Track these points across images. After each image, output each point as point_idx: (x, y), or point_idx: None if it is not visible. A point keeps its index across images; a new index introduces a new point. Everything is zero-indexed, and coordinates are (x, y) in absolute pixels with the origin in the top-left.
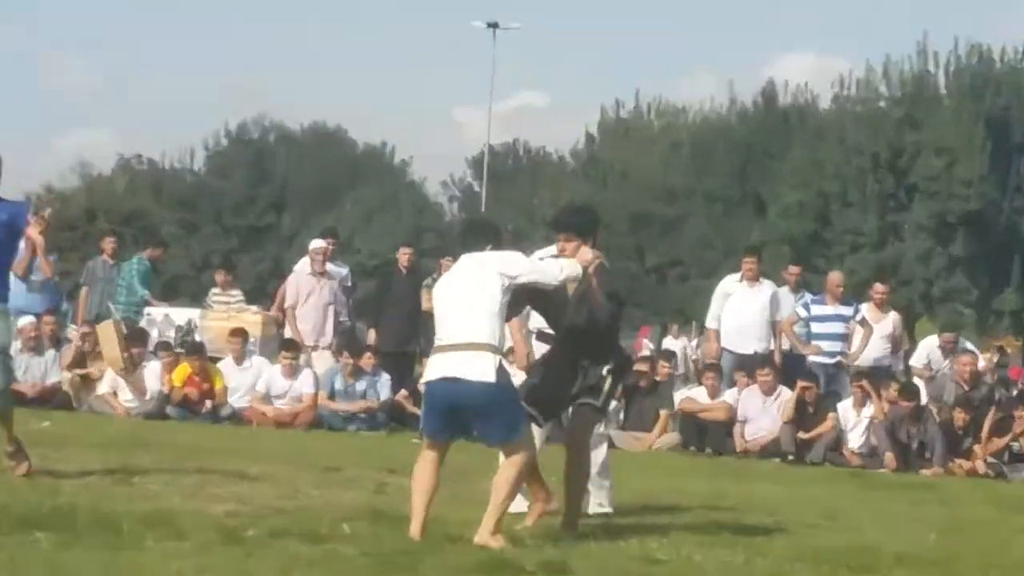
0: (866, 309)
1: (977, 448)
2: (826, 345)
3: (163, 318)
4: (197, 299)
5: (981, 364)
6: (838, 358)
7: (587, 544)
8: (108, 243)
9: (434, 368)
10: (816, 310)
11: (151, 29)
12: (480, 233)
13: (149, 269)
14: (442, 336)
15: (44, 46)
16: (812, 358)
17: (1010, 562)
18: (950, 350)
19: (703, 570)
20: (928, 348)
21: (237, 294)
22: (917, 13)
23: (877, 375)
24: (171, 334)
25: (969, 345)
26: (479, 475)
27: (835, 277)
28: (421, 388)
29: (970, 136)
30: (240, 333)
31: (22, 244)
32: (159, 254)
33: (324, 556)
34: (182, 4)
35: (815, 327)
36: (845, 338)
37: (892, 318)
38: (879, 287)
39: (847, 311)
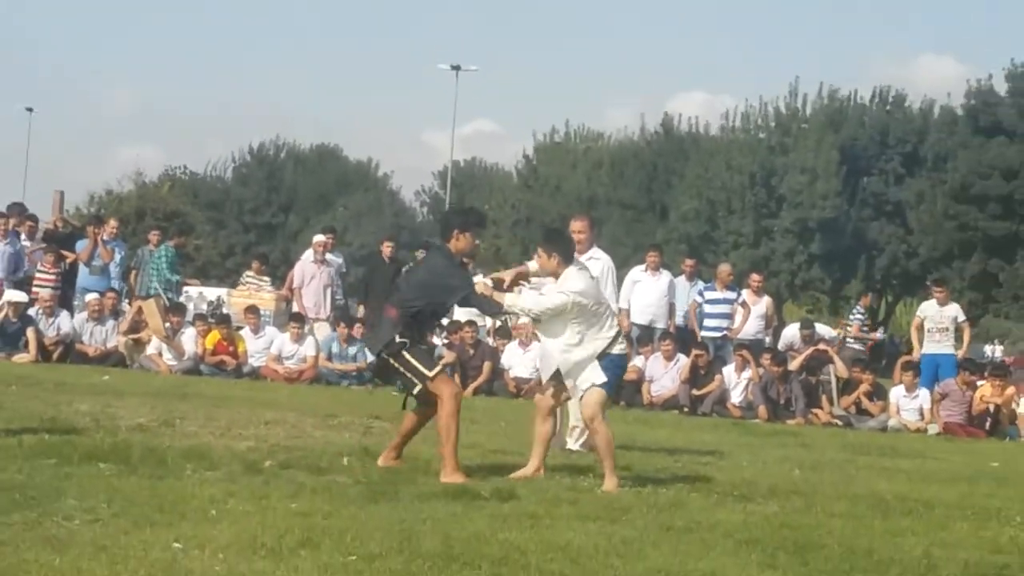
0: (746, 294)
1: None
2: (715, 322)
3: (198, 295)
4: (224, 281)
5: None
6: (724, 332)
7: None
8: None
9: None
10: (708, 295)
11: (186, 65)
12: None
13: (174, 255)
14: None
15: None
16: (704, 332)
17: (856, 492)
18: (807, 339)
19: (619, 498)
20: (791, 335)
21: (267, 280)
22: (787, 62)
23: (754, 346)
24: (204, 308)
25: (822, 329)
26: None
27: (724, 268)
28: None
29: (827, 160)
30: (254, 310)
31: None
32: (182, 242)
33: (325, 485)
34: (210, 48)
35: (707, 308)
36: (730, 317)
37: (765, 301)
38: (755, 276)
39: (732, 295)
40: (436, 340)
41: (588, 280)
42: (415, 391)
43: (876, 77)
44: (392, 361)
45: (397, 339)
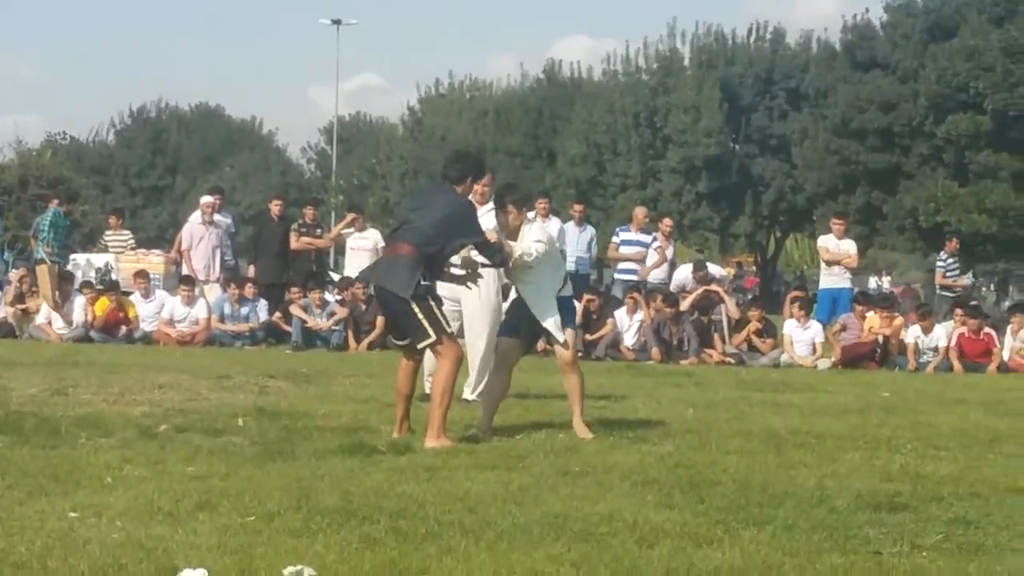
0: (659, 239)
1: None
2: (630, 265)
3: (85, 262)
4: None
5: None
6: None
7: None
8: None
9: None
10: (623, 236)
11: (71, 32)
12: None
13: (54, 216)
14: None
15: None
16: (617, 275)
17: (749, 429)
18: (700, 280)
19: (517, 445)
20: (683, 276)
21: (127, 234)
22: (666, 3)
23: (658, 289)
24: (92, 275)
25: (714, 269)
26: (340, 376)
27: (640, 211)
28: (294, 311)
29: (709, 97)
30: (143, 274)
31: None
32: (69, 208)
33: (221, 446)
34: (85, 10)
35: (622, 250)
36: (643, 259)
37: (673, 246)
38: (667, 221)
39: (647, 238)
40: (328, 296)
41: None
42: (423, 344)
43: (754, 14)
44: (414, 306)
45: (421, 282)
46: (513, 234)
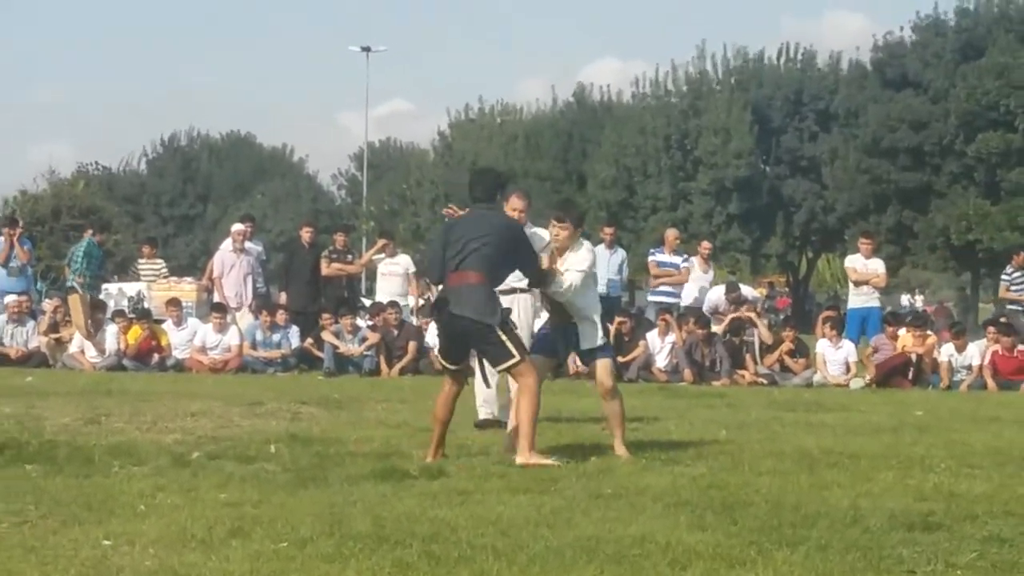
0: (696, 261)
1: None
2: (665, 286)
3: (118, 291)
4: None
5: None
6: (675, 298)
7: (464, 455)
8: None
9: None
10: (658, 257)
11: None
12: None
13: (87, 247)
14: None
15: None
16: (651, 297)
17: (782, 449)
18: (733, 302)
19: (549, 468)
20: (715, 298)
21: (160, 262)
22: (696, 25)
23: (690, 311)
24: (124, 303)
25: (747, 290)
26: (372, 401)
27: (671, 233)
28: (326, 337)
29: (739, 119)
30: (175, 302)
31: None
32: (103, 239)
33: (253, 473)
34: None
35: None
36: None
37: (713, 269)
38: (706, 244)
39: (678, 260)
40: (360, 322)
41: None
42: (506, 366)
43: (784, 35)
44: (499, 331)
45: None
46: (560, 251)
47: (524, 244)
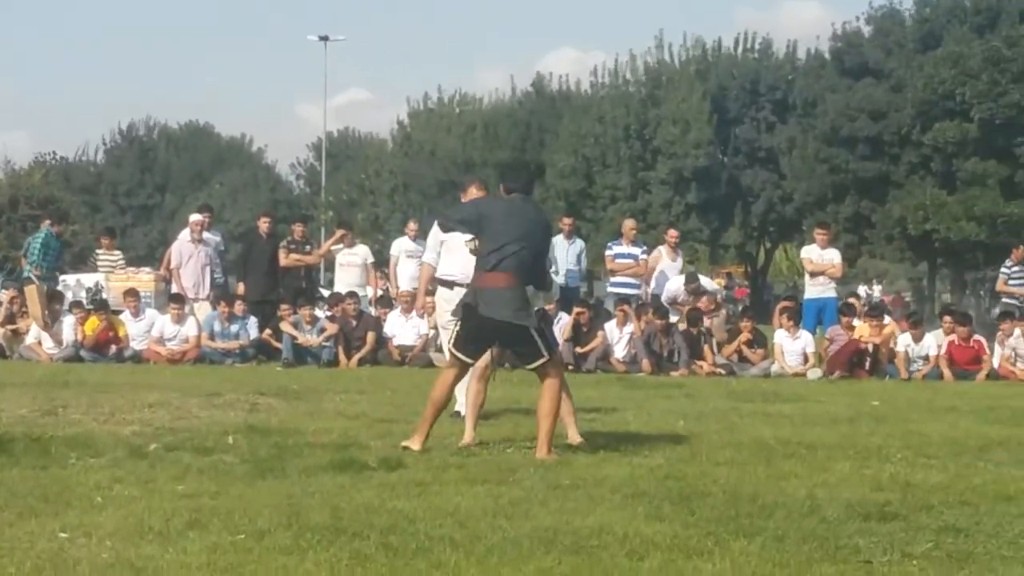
0: (664, 250)
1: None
2: (623, 277)
3: (75, 282)
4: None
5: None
6: (636, 290)
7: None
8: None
9: None
10: (616, 250)
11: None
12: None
13: (45, 238)
14: None
15: None
16: (611, 288)
17: (740, 439)
18: (692, 292)
19: (507, 459)
20: (674, 288)
21: (118, 254)
22: (654, 14)
23: (648, 301)
24: (82, 294)
25: (706, 281)
26: (330, 392)
27: (629, 223)
28: (284, 328)
29: (699, 109)
30: (133, 293)
31: None
32: (61, 230)
33: (211, 464)
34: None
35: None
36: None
37: (681, 258)
38: (672, 232)
39: (636, 251)
40: (319, 313)
41: None
42: (536, 364)
43: (742, 25)
44: (533, 331)
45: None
46: None
47: (549, 243)
